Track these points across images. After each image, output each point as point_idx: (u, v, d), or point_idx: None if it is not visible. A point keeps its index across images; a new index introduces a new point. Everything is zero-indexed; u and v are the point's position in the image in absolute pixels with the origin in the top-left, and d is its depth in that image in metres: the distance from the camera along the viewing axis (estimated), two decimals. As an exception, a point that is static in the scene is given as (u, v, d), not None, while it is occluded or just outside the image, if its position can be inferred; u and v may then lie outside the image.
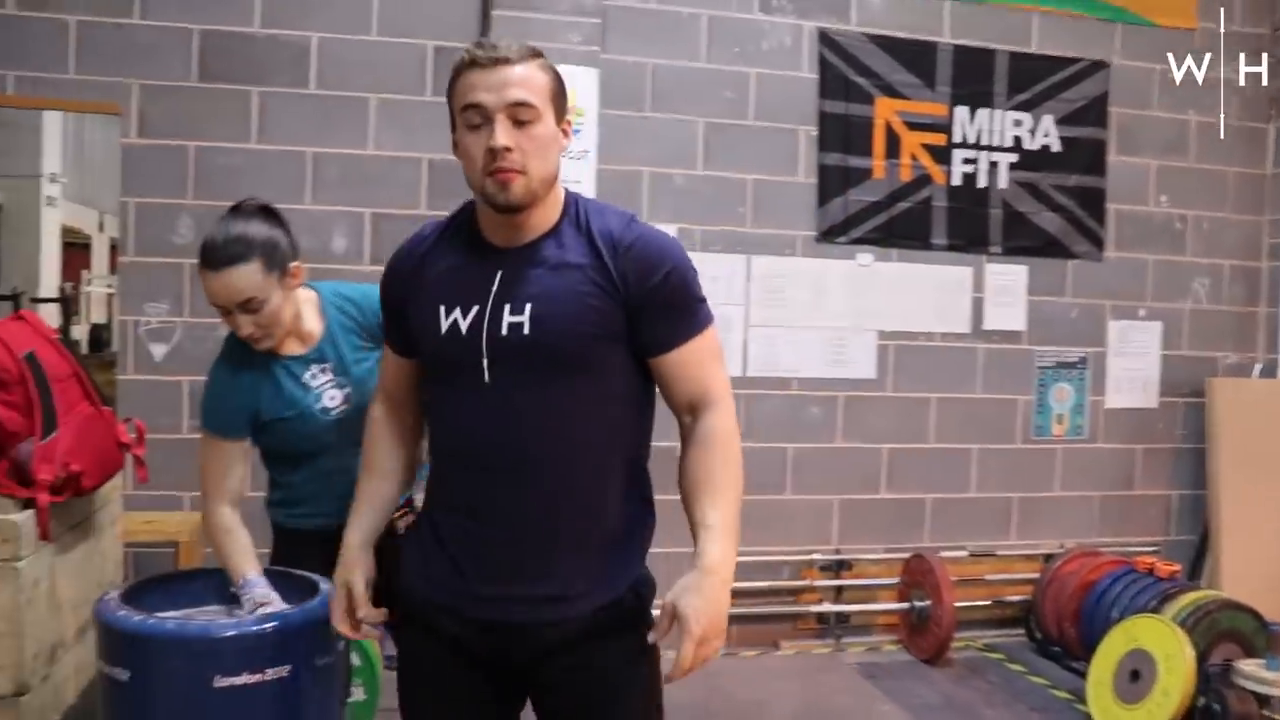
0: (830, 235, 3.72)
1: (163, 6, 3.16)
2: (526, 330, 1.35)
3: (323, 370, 1.83)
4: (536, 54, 1.38)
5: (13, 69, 3.05)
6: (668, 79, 3.53)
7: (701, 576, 1.35)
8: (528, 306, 1.36)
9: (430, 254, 1.46)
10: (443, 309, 1.40)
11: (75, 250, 3.17)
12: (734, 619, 3.62)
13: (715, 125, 3.58)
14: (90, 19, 3.09)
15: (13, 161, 3.14)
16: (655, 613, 1.40)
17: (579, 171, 3.31)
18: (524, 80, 1.34)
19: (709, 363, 1.44)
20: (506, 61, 1.34)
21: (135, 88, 3.15)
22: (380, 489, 1.56)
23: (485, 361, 1.37)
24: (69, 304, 3.14)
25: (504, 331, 1.36)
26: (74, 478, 1.72)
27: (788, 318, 3.67)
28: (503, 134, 1.32)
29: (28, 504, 1.64)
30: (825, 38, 3.69)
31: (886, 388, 3.78)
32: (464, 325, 1.38)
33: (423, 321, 1.43)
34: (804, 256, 3.68)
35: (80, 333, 3.17)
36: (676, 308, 1.41)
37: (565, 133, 1.42)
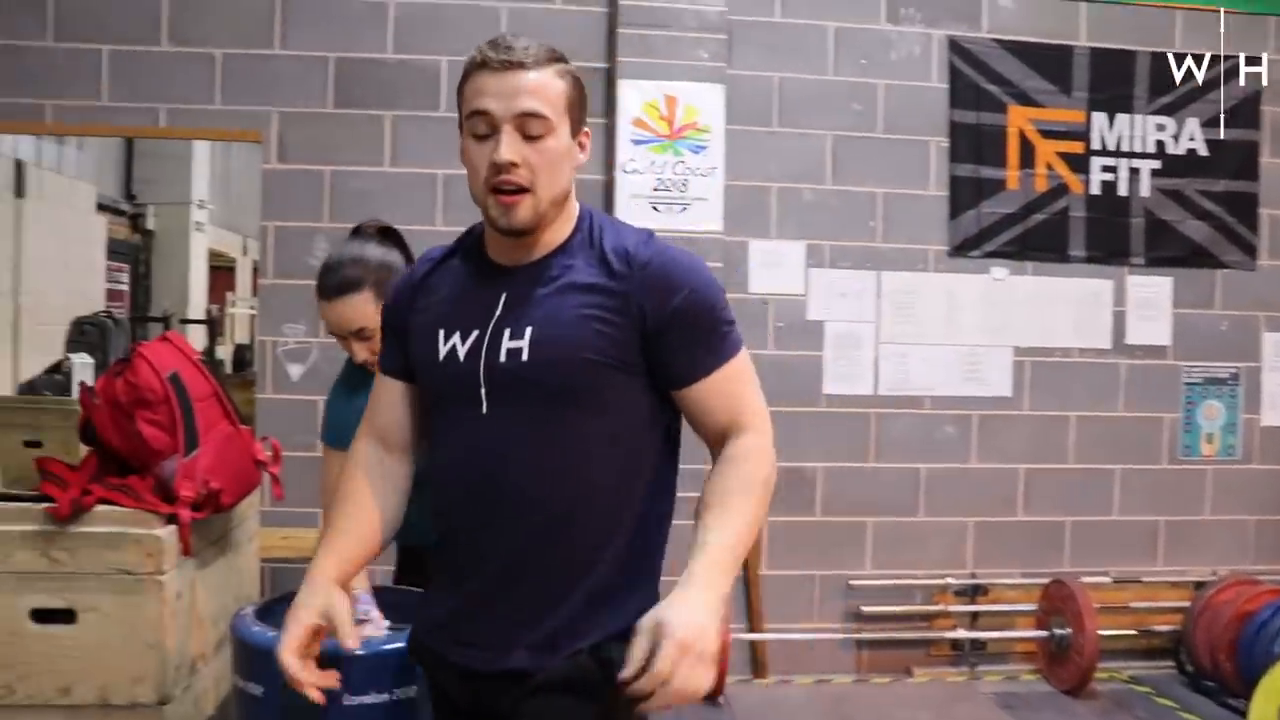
0: (963, 249, 3.62)
1: (301, 36, 3.26)
2: (525, 356, 1.25)
3: None
4: (556, 58, 1.28)
5: (165, 103, 3.19)
6: (795, 93, 3.48)
7: (681, 591, 1.15)
8: (528, 330, 1.26)
9: (435, 276, 1.38)
10: (442, 334, 1.32)
11: (221, 273, 3.29)
12: (865, 644, 3.61)
13: (843, 138, 3.52)
14: (234, 51, 3.21)
15: (164, 190, 3.29)
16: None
17: (706, 188, 3.30)
18: (537, 88, 1.24)
19: (741, 390, 1.30)
20: (519, 66, 1.23)
21: (275, 115, 3.25)
22: (362, 519, 1.37)
23: (483, 391, 1.27)
24: (214, 325, 3.26)
25: (503, 358, 1.26)
26: (214, 495, 1.76)
27: (920, 334, 3.57)
28: (508, 147, 1.22)
29: (170, 520, 1.68)
30: (955, 46, 3.60)
31: (1023, 406, 3.65)
32: (463, 351, 1.29)
33: (422, 347, 1.34)
34: (936, 272, 3.59)
35: (225, 353, 3.29)
36: (700, 333, 1.28)
37: (583, 146, 1.33)
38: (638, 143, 3.28)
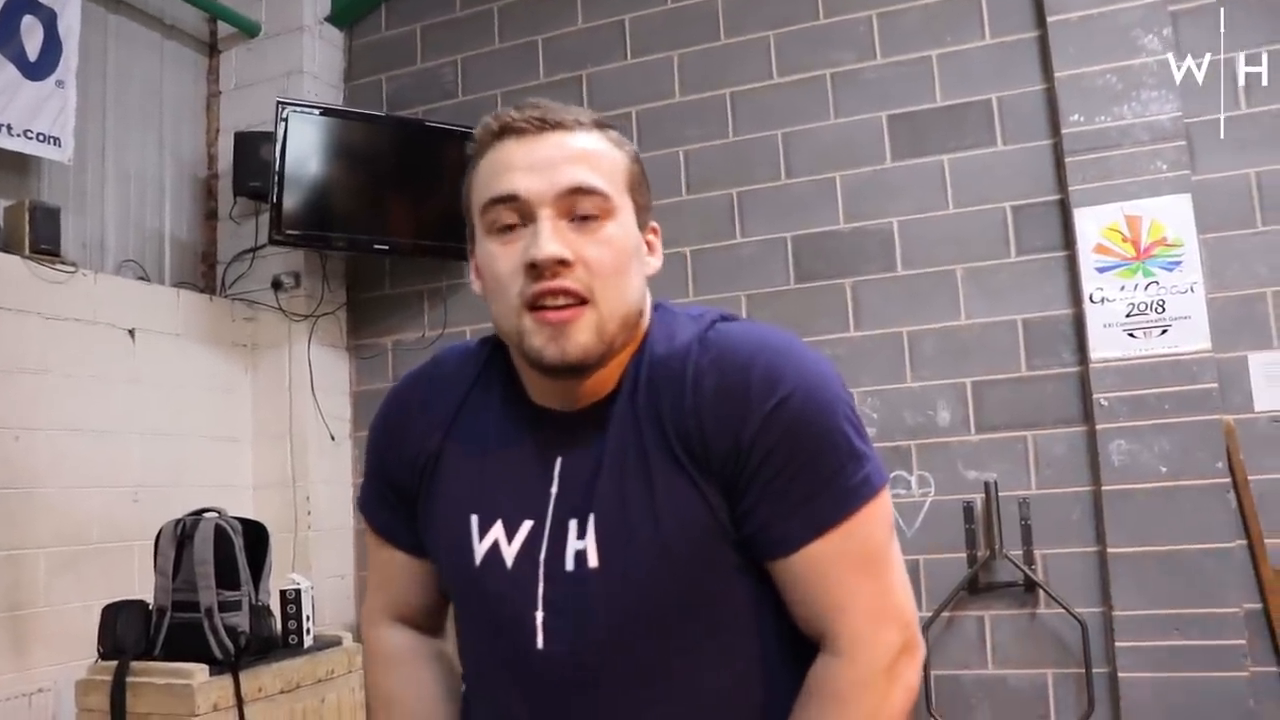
0: None
1: (759, 222, 3.65)
2: (593, 561, 0.90)
3: None
4: (606, 123, 0.97)
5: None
6: (1277, 186, 3.26)
7: None
8: (590, 522, 0.90)
9: (461, 414, 1.01)
10: (475, 522, 0.95)
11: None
12: None
13: (1347, 224, 3.23)
14: (707, 246, 3.65)
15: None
16: None
17: (1186, 306, 3.18)
18: (591, 154, 0.93)
19: (849, 575, 0.88)
20: (558, 126, 0.93)
21: (743, 299, 3.63)
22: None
23: (539, 616, 0.91)
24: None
25: (569, 565, 0.91)
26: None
27: None
28: (552, 237, 0.89)
29: None
30: None
31: None
32: (509, 554, 0.93)
33: (444, 538, 0.99)
34: None
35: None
36: (794, 476, 0.87)
37: (652, 247, 0.99)
38: (1103, 270, 3.25)
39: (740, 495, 0.88)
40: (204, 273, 4.14)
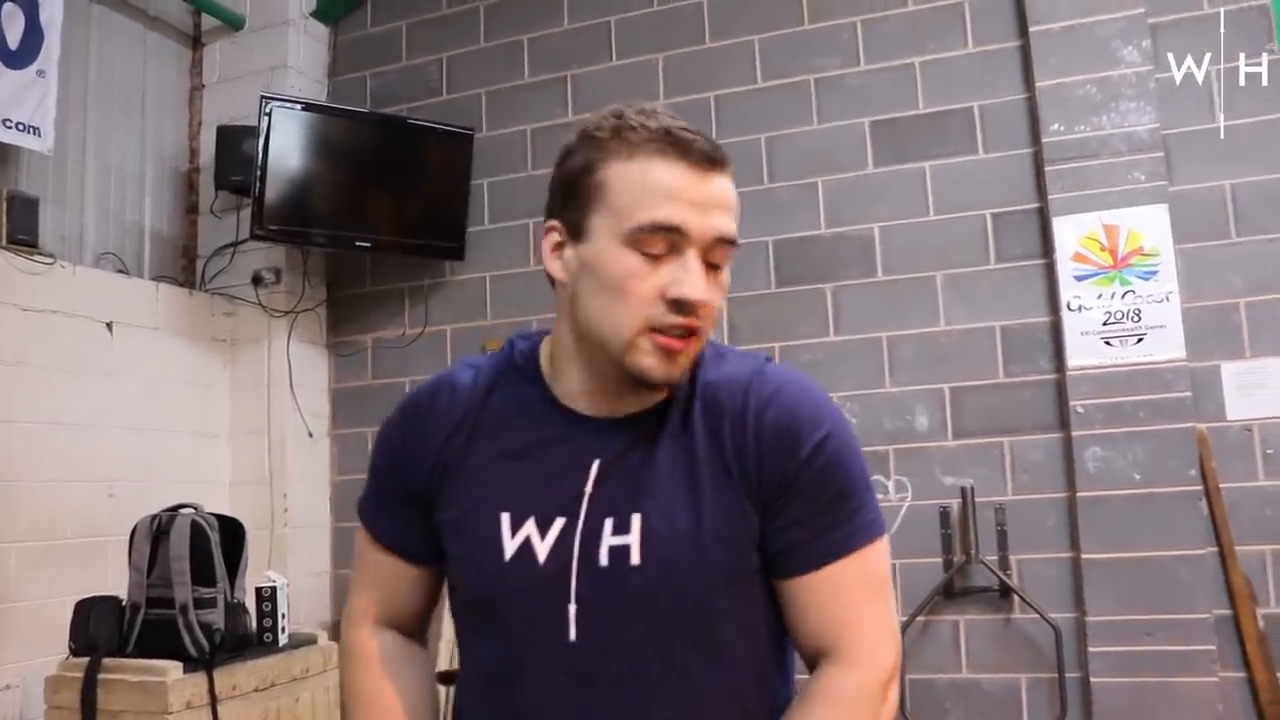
0: None
1: (741, 226, 3.63)
2: (635, 558, 0.95)
3: None
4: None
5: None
6: (1251, 197, 3.31)
7: None
8: (635, 521, 0.96)
9: (481, 424, 1.05)
10: (507, 520, 0.99)
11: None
12: None
13: (1321, 238, 3.29)
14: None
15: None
16: None
17: (1162, 315, 3.22)
18: (733, 205, 0.99)
19: (858, 598, 0.98)
20: (724, 166, 0.98)
21: (724, 302, 3.63)
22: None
23: (573, 609, 0.95)
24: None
25: (603, 561, 0.96)
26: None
27: None
28: (702, 281, 0.95)
29: None
30: None
31: None
32: (542, 549, 0.97)
33: (470, 538, 1.02)
34: None
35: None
36: (825, 505, 0.97)
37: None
38: (1080, 278, 3.30)
39: (776, 514, 0.97)
40: (184, 267, 4.12)
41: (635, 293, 0.94)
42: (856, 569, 0.98)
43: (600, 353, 0.99)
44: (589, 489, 0.98)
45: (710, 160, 0.96)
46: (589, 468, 0.99)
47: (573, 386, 1.03)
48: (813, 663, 1.01)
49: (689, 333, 0.96)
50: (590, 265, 0.97)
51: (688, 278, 0.94)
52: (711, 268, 0.98)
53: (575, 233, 1.00)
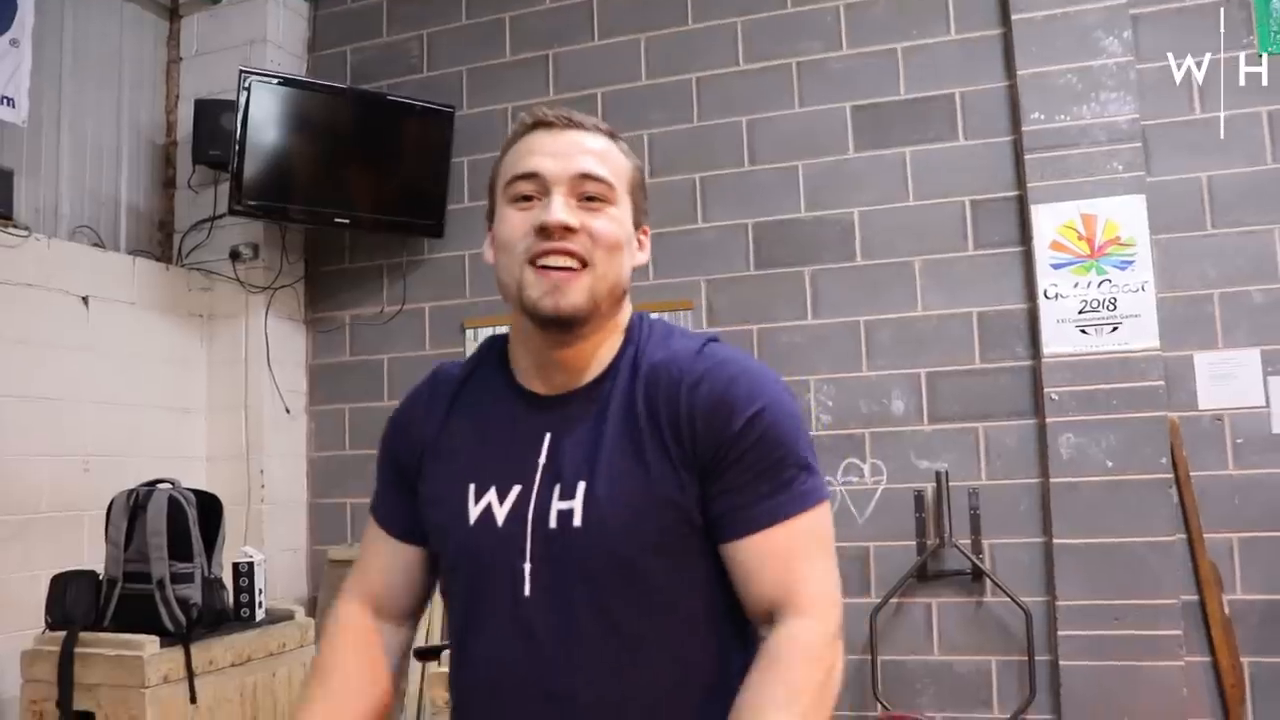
0: None
1: (721, 208, 3.69)
2: (577, 521, 1.04)
3: None
4: (616, 134, 1.15)
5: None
6: (1227, 189, 3.35)
7: None
8: (579, 487, 1.05)
9: (456, 407, 1.17)
10: (472, 489, 1.10)
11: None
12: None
13: (1295, 231, 3.33)
14: (668, 230, 3.67)
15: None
16: None
17: (1137, 304, 3.26)
18: (602, 152, 1.10)
19: (803, 557, 1.04)
20: (580, 126, 1.10)
21: (702, 283, 3.66)
22: (345, 705, 1.15)
23: (527, 567, 1.05)
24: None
25: (552, 523, 1.05)
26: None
27: None
28: (562, 206, 1.05)
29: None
30: None
31: None
32: (500, 513, 1.08)
33: (445, 505, 1.12)
34: None
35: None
36: (762, 473, 1.03)
37: (641, 244, 1.16)
38: (1058, 266, 3.33)
39: (713, 482, 1.04)
40: (160, 241, 4.10)
41: (513, 235, 1.06)
42: (797, 532, 1.04)
43: (522, 319, 1.10)
44: (542, 460, 1.08)
45: (566, 121, 1.10)
46: (542, 440, 1.09)
47: (525, 367, 1.14)
48: (765, 625, 1.05)
49: (573, 263, 1.05)
50: (495, 237, 1.12)
51: (547, 207, 1.05)
52: (589, 200, 1.07)
53: (492, 222, 1.14)
